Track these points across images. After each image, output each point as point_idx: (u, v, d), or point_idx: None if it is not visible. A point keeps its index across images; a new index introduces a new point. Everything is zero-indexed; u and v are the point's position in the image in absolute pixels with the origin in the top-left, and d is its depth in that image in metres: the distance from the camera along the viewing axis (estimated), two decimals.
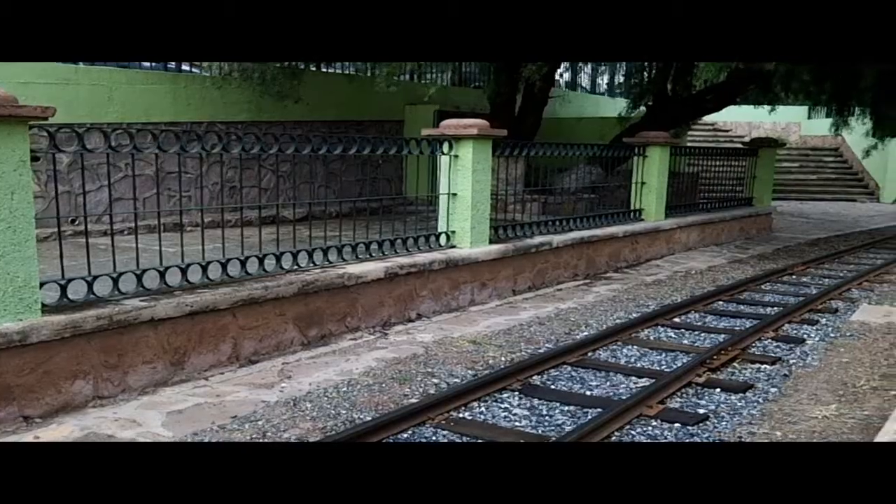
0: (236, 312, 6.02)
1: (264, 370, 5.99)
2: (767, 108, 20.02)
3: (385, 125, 15.15)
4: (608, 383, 5.89)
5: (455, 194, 8.32)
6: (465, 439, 4.72)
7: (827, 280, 10.52)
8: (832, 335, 7.39)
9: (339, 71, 14.82)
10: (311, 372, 5.96)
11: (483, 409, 5.28)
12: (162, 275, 5.76)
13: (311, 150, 6.75)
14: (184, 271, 5.91)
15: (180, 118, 11.62)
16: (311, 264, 6.85)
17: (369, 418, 4.92)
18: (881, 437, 2.91)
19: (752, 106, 21.93)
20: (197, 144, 5.91)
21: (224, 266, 6.19)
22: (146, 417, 4.96)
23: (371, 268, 7.13)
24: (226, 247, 6.36)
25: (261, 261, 6.48)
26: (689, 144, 17.09)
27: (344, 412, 5.12)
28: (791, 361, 6.49)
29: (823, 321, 7.96)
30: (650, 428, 4.95)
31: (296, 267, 6.71)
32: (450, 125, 8.25)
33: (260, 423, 4.90)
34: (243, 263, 6.34)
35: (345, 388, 5.57)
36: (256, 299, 6.11)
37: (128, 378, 5.37)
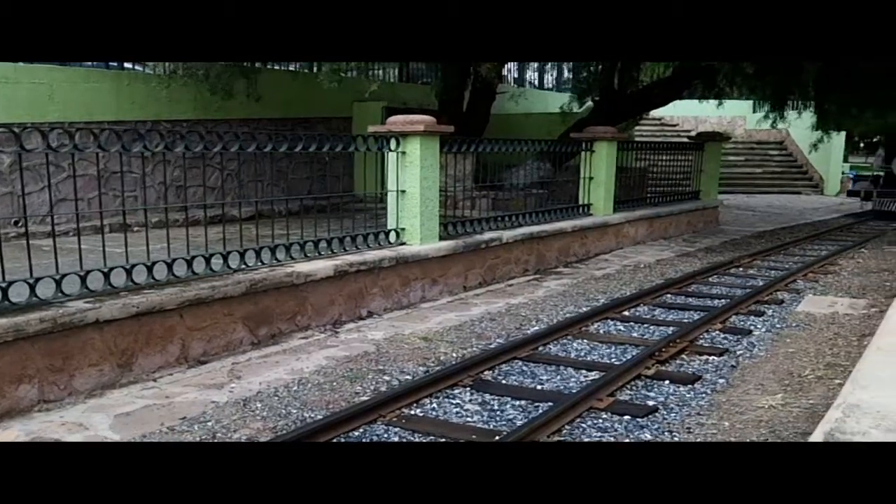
0: (184, 313, 5.93)
1: (214, 371, 5.91)
2: (713, 102, 20.30)
3: (333, 122, 15.06)
4: (559, 377, 5.91)
5: (403, 191, 8.29)
6: (416, 436, 4.70)
7: (773, 272, 10.68)
8: (778, 326, 7.50)
9: (286, 68, 14.69)
10: (261, 371, 5.89)
11: (435, 405, 5.27)
12: (106, 276, 5.66)
13: (255, 147, 6.68)
14: (129, 272, 5.80)
15: (124, 117, 11.42)
16: (260, 263, 6.78)
17: (320, 417, 4.89)
18: (823, 424, 2.94)
19: (698, 101, 22.23)
20: (139, 143, 5.80)
21: (170, 266, 6.10)
22: (93, 420, 4.87)
23: (320, 266, 7.08)
24: (173, 247, 6.27)
25: (207, 260, 6.39)
26: (636, 139, 17.21)
27: (295, 411, 5.07)
28: (738, 352, 6.57)
29: (770, 312, 8.08)
30: (600, 421, 4.98)
31: (244, 266, 6.63)
32: (396, 122, 8.22)
33: (209, 423, 4.84)
34: (189, 263, 6.25)
35: (295, 388, 5.52)
36: (204, 299, 6.03)
37: (74, 381, 5.26)
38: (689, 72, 15.23)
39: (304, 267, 6.95)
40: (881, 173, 21.34)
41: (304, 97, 14.09)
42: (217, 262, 6.46)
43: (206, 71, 11.13)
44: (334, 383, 5.63)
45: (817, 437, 2.83)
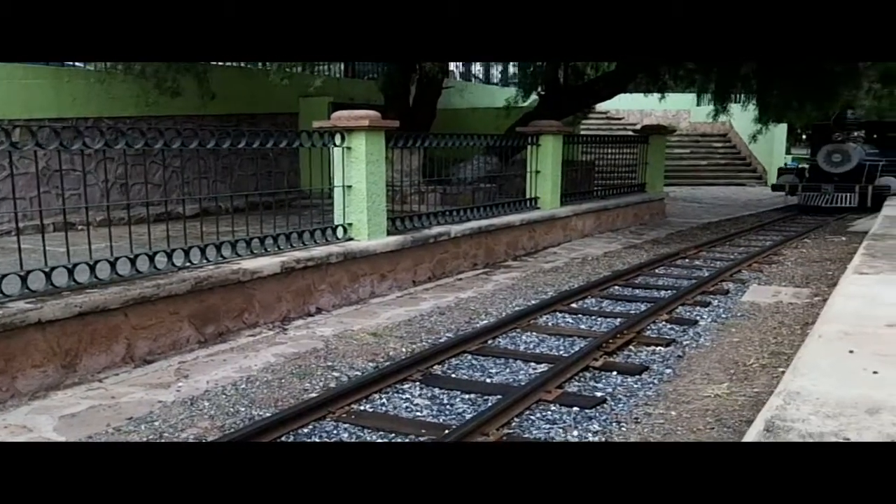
0: (128, 312, 5.84)
1: (160, 370, 5.83)
2: (658, 96, 20.49)
3: (279, 118, 14.95)
4: (508, 370, 5.94)
5: (350, 186, 8.26)
6: (366, 432, 4.69)
7: (718, 262, 10.84)
8: (724, 316, 7.61)
9: (231, 64, 14.53)
10: (208, 370, 5.83)
11: (384, 400, 5.26)
12: (48, 275, 5.55)
13: (198, 144, 6.60)
14: (71, 271, 5.70)
15: (65, 114, 11.22)
16: (205, 261, 6.70)
17: (269, 414, 4.85)
18: (764, 412, 2.99)
19: (643, 94, 22.41)
20: (79, 141, 5.70)
21: (113, 265, 6.00)
22: (37, 422, 4.78)
23: (267, 262, 7.02)
24: (118, 245, 6.18)
25: (151, 258, 6.30)
26: (583, 133, 17.33)
27: (243, 409, 5.03)
28: (685, 343, 6.66)
29: (715, 302, 8.20)
30: (549, 413, 5.01)
31: (189, 264, 6.55)
32: (341, 117, 8.18)
33: (157, 423, 4.77)
34: (133, 262, 6.16)
35: (243, 386, 5.48)
36: (149, 298, 5.94)
37: (17, 383, 5.15)
38: (633, 66, 15.37)
39: (250, 264, 6.88)
40: (806, 165, 20.71)
41: (250, 93, 13.96)
42: (161, 261, 6.37)
43: (142, 67, 10.96)
44: (283, 381, 5.59)
45: (758, 424, 2.88)
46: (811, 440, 2.64)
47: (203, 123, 12.38)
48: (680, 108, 30.60)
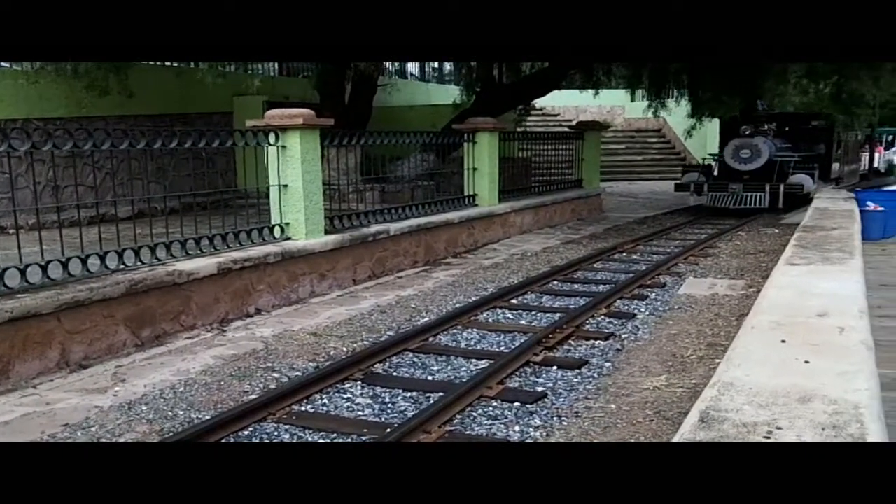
0: (61, 316, 5.71)
1: (96, 374, 5.72)
2: (593, 92, 20.72)
3: (213, 117, 14.76)
4: (449, 367, 5.95)
5: (286, 185, 8.19)
6: (307, 433, 4.66)
7: (655, 256, 10.99)
8: (661, 309, 7.72)
9: (164, 64, 14.30)
10: (145, 374, 5.73)
11: (325, 400, 5.23)
12: None
13: (129, 144, 6.48)
14: (1, 276, 5.55)
15: None
16: (139, 263, 6.58)
17: (208, 417, 4.79)
18: (699, 403, 3.04)
19: (578, 91, 22.63)
20: (4, 143, 5.55)
21: (45, 269, 5.87)
22: None
23: (203, 264, 6.92)
24: (50, 249, 6.04)
25: (84, 262, 6.17)
26: (519, 129, 17.44)
27: (181, 413, 4.96)
28: (623, 336, 6.74)
29: (653, 296, 8.31)
30: (491, 409, 5.03)
31: (122, 266, 6.43)
32: (275, 115, 8.11)
33: (93, 429, 4.69)
34: (65, 265, 6.03)
35: (182, 389, 5.40)
36: (82, 302, 5.82)
37: None
38: (568, 63, 15.52)
39: (186, 265, 6.79)
40: (713, 162, 18.72)
41: (184, 93, 13.77)
42: (95, 264, 6.24)
43: (74, 67, 10.74)
44: (222, 383, 5.53)
45: (694, 415, 2.92)
46: (745, 429, 2.69)
47: (135, 124, 12.18)
48: (615, 105, 30.96)
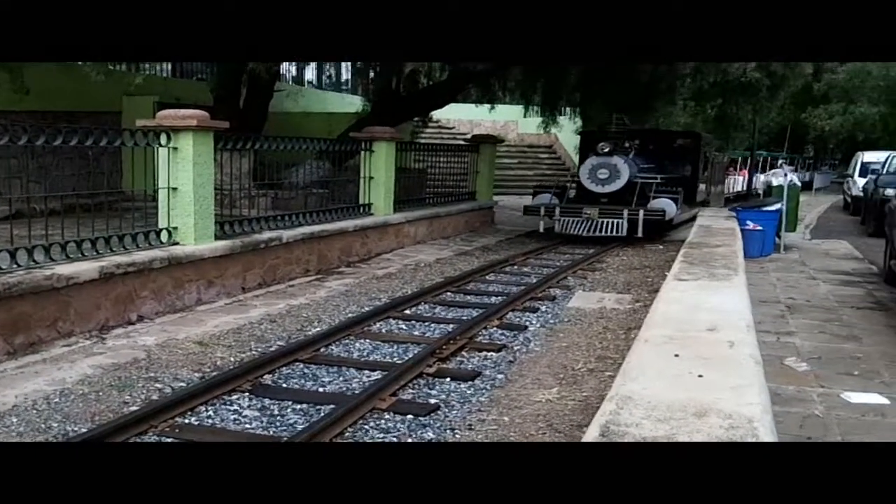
0: None
1: None
2: (488, 107, 20.89)
3: (102, 117, 14.17)
4: (341, 378, 5.83)
5: (175, 188, 7.91)
6: None
7: (545, 269, 11.09)
8: (552, 321, 7.77)
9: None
10: (17, 383, 5.40)
11: (211, 413, 5.03)
12: None
13: (8, 140, 6.12)
14: None
15: None
16: (15, 266, 6.22)
17: (84, 430, 4.54)
18: (599, 417, 3.02)
19: (474, 105, 22.77)
20: None
21: None
22: None
23: (84, 268, 6.60)
24: None
25: None
26: (416, 140, 17.42)
27: (56, 425, 4.69)
28: (515, 348, 6.74)
29: (543, 308, 8.36)
30: (383, 421, 4.94)
31: None
32: (167, 116, 7.85)
33: None
34: None
35: (57, 399, 5.11)
36: None
37: None
38: (465, 76, 15.60)
39: (65, 269, 6.45)
40: (570, 183, 16.10)
41: (70, 90, 13.20)
42: None
43: None
44: (100, 393, 5.26)
45: (594, 429, 2.89)
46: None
47: (16, 120, 11.59)
48: (508, 120, 31.27)
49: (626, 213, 14.09)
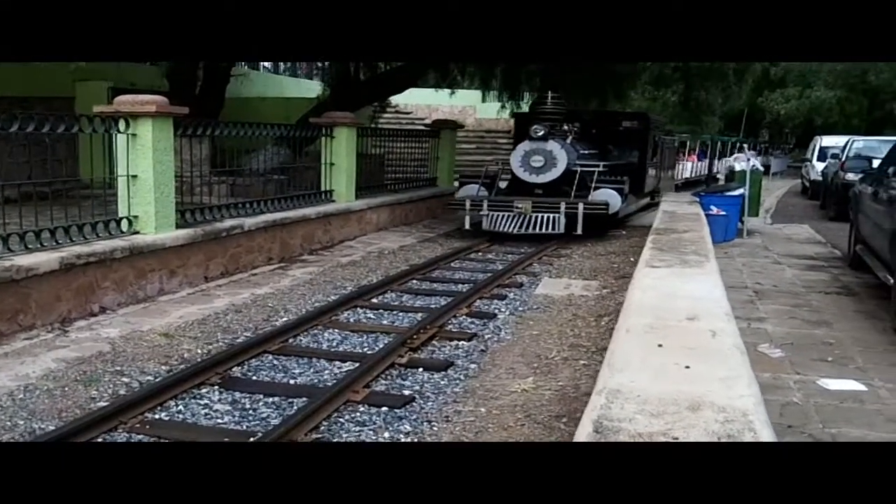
0: None
1: None
2: (447, 91, 20.78)
3: (54, 102, 13.84)
4: (312, 370, 5.73)
5: (135, 176, 7.72)
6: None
7: (510, 256, 11.06)
8: (521, 309, 7.73)
9: None
10: None
11: (181, 407, 4.91)
12: None
13: None
14: None
15: None
16: None
17: (52, 427, 4.40)
18: (590, 412, 2.96)
19: (433, 90, 22.66)
20: None
21: None
22: None
23: (44, 258, 6.40)
24: None
25: None
26: (375, 126, 17.28)
27: (21, 423, 4.53)
28: (486, 336, 6.68)
29: (511, 295, 8.32)
30: (358, 414, 4.85)
31: None
32: (125, 101, 7.64)
33: None
34: None
35: (21, 395, 4.95)
36: None
37: None
38: (424, 61, 15.47)
39: (24, 260, 6.25)
40: (502, 172, 14.06)
41: (20, 75, 12.87)
42: None
43: None
44: (66, 388, 5.10)
45: (586, 425, 2.84)
46: (642, 440, 2.63)
47: None
48: (466, 105, 31.17)
49: (563, 206, 12.20)
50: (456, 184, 15.40)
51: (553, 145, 13.04)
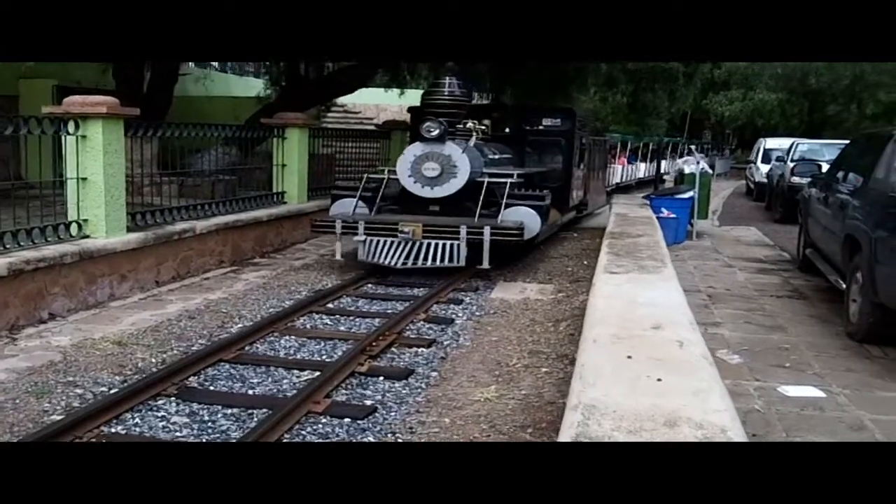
0: None
1: None
2: (397, 91, 20.69)
3: None
4: (270, 379, 5.63)
5: (85, 179, 7.55)
6: None
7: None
8: (478, 314, 7.69)
9: None
10: None
11: (138, 420, 4.79)
12: None
13: None
14: None
15: None
16: None
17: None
18: (567, 429, 2.95)
19: (381, 89, 22.55)
20: None
21: None
22: None
23: None
24: None
25: None
26: (323, 126, 17.13)
27: None
28: (445, 343, 6.63)
29: (468, 300, 8.29)
30: (320, 426, 4.78)
31: None
32: (75, 102, 7.46)
33: None
34: None
35: None
36: None
37: None
38: (374, 61, 15.37)
39: None
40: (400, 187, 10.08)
41: None
42: None
43: None
44: (17, 401, 4.95)
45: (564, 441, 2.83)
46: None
47: None
48: (415, 104, 31.07)
49: (464, 231, 9.09)
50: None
51: (452, 148, 9.72)
